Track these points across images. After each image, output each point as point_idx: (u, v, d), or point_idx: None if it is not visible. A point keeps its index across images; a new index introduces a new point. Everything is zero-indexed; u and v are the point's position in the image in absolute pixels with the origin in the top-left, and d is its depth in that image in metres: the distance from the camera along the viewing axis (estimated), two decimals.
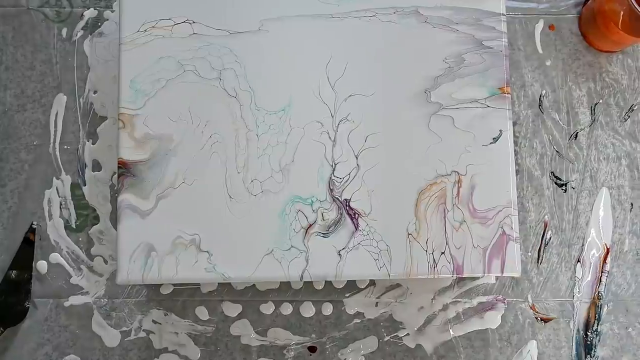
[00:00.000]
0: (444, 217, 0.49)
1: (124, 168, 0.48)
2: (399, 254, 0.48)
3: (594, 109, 0.56)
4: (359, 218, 0.49)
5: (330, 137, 0.49)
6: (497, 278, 0.55)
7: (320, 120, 0.50)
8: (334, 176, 0.49)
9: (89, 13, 0.56)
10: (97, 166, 0.55)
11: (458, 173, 0.49)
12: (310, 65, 0.50)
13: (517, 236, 0.49)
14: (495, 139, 0.50)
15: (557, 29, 0.57)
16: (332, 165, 0.49)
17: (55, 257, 0.53)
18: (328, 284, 0.54)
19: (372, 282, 0.54)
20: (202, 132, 0.49)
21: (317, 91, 0.50)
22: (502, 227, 0.49)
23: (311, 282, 0.54)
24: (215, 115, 0.49)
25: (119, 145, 0.49)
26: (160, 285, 0.54)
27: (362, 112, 0.50)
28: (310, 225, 0.48)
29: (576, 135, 0.56)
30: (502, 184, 0.49)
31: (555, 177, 0.56)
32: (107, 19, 0.56)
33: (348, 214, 0.49)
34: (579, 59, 0.57)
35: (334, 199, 0.49)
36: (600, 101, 0.57)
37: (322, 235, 0.48)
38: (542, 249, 0.55)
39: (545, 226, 0.55)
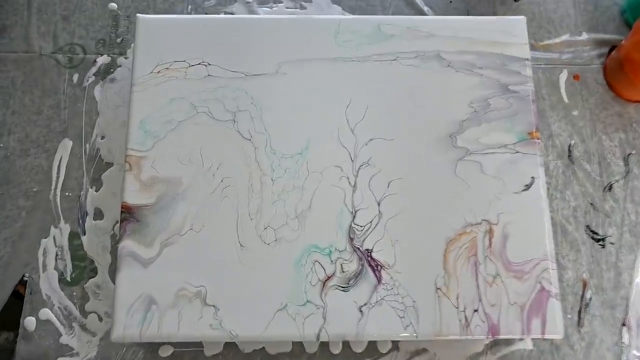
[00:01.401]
0: (476, 271, 0.45)
1: (128, 213, 0.45)
2: (426, 311, 0.43)
3: (627, 160, 0.53)
4: (382, 270, 0.44)
5: (350, 183, 0.46)
6: (534, 343, 0.49)
7: (339, 164, 0.47)
8: (354, 224, 0.45)
9: (102, 59, 0.55)
10: (99, 214, 0.51)
11: (489, 222, 0.46)
12: (329, 108, 0.48)
13: (558, 292, 0.44)
14: (528, 186, 0.46)
15: (582, 78, 0.56)
16: (352, 212, 0.45)
17: (45, 312, 0.49)
18: (346, 347, 0.48)
19: (395, 347, 0.49)
20: (214, 175, 0.46)
21: (336, 135, 0.47)
22: (540, 282, 0.44)
23: (328, 344, 0.48)
24: (228, 158, 0.46)
25: (123, 189, 0.45)
26: (159, 346, 0.48)
27: (384, 157, 0.47)
28: (329, 278, 0.44)
29: (610, 186, 0.53)
30: (537, 235, 0.45)
31: (592, 231, 0.52)
32: (120, 65, 0.55)
33: (370, 265, 0.44)
34: (607, 109, 0.55)
35: (354, 249, 0.45)
36: (633, 152, 0.54)
37: (342, 289, 0.44)
38: (582, 310, 0.50)
39: (585, 285, 0.50)
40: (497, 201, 0.46)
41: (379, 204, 0.46)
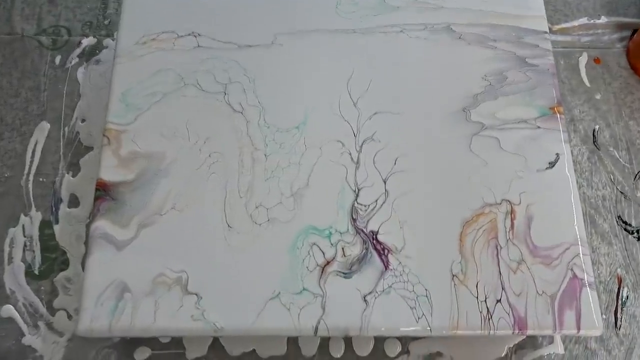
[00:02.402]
0: (497, 255, 0.39)
1: (103, 190, 0.40)
2: (441, 301, 0.38)
3: None
4: (390, 254, 0.39)
5: (352, 159, 0.41)
6: (566, 347, 0.43)
7: (340, 139, 0.42)
8: (358, 203, 0.40)
9: (88, 41, 0.52)
10: (74, 202, 0.46)
11: (510, 202, 0.40)
12: (330, 80, 0.44)
13: (593, 281, 0.38)
14: (552, 164, 0.41)
15: (604, 62, 0.52)
16: (355, 191, 0.40)
17: (7, 310, 0.43)
18: (349, 349, 0.42)
19: (405, 350, 0.42)
20: (200, 150, 0.41)
21: (337, 108, 0.43)
22: (571, 269, 0.38)
23: (328, 345, 0.42)
24: (217, 132, 0.42)
25: (100, 165, 0.41)
26: (135, 348, 0.42)
27: (390, 132, 0.42)
28: (328, 263, 0.38)
29: None
30: (566, 216, 0.40)
31: (624, 222, 0.46)
32: (107, 47, 0.52)
33: (375, 249, 0.39)
34: (633, 93, 0.50)
35: (357, 231, 0.39)
36: None
37: (343, 275, 0.38)
38: (619, 310, 0.44)
39: (620, 282, 0.44)
40: (519, 180, 0.41)
41: (385, 182, 0.41)
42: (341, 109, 0.43)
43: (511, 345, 0.42)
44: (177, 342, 0.42)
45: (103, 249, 0.38)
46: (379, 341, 0.43)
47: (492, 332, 0.37)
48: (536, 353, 0.42)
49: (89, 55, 0.51)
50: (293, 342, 0.42)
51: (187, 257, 0.38)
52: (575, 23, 0.53)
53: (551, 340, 0.43)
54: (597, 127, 0.49)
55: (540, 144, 0.42)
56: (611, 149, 0.48)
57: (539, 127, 0.43)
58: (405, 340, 0.43)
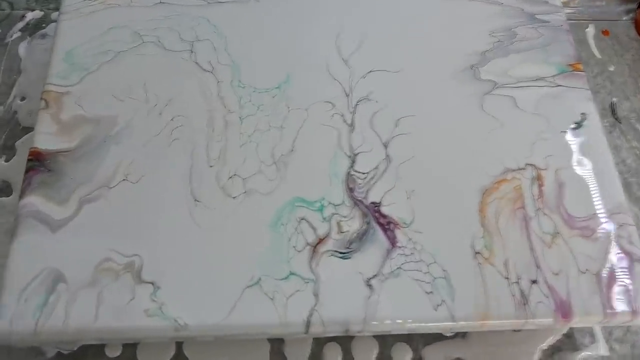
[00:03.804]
0: (526, 227, 0.32)
1: (36, 161, 0.32)
2: (464, 283, 0.30)
3: None
4: (396, 229, 0.31)
5: (345, 121, 0.34)
6: (611, 347, 0.35)
7: (330, 100, 0.35)
8: (354, 171, 0.33)
9: (33, 14, 0.45)
10: (6, 190, 0.38)
11: (535, 167, 0.34)
12: (315, 37, 0.38)
13: None
14: (578, 124, 0.35)
15: (612, 34, 0.47)
16: (350, 157, 0.33)
17: None
18: (347, 357, 0.34)
19: (418, 356, 0.34)
20: (161, 113, 0.34)
21: (324, 67, 0.36)
22: (616, 242, 0.32)
23: (321, 356, 0.34)
24: (181, 93, 0.35)
25: (35, 131, 0.33)
26: None
27: (388, 91, 0.36)
28: (321, 241, 0.31)
29: None
30: (602, 182, 0.33)
31: None
32: (55, 21, 0.45)
33: (379, 223, 0.31)
34: None
35: (355, 203, 0.32)
36: None
37: (340, 255, 0.30)
38: None
39: None
40: (543, 142, 0.35)
41: (385, 147, 0.34)
42: (329, 67, 0.36)
43: (545, 347, 0.35)
44: (129, 357, 0.33)
45: (33, 230, 0.30)
46: (385, 346, 0.34)
47: (530, 320, 0.29)
48: (576, 355, 0.35)
49: (34, 29, 0.45)
50: (277, 350, 0.34)
51: (141, 238, 0.30)
52: None
53: (592, 339, 0.35)
54: (614, 99, 0.44)
55: (562, 103, 0.36)
56: (633, 121, 0.43)
57: (559, 85, 0.37)
58: (417, 344, 0.34)
